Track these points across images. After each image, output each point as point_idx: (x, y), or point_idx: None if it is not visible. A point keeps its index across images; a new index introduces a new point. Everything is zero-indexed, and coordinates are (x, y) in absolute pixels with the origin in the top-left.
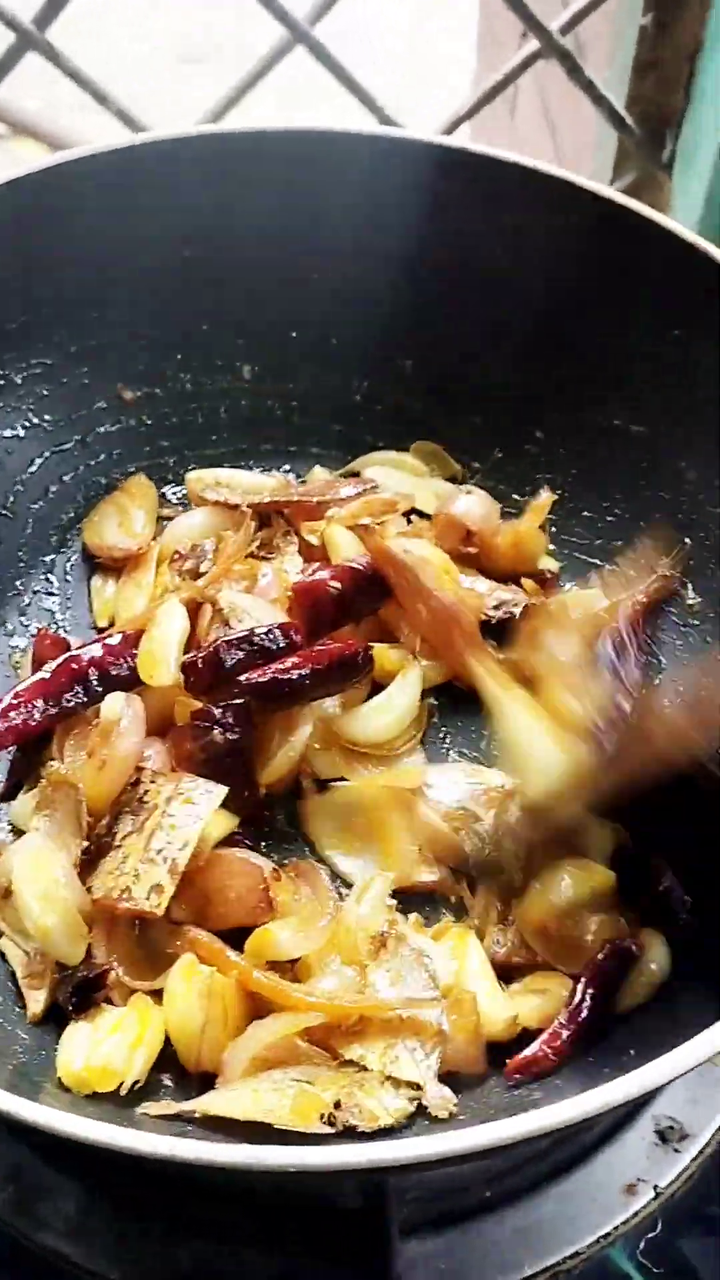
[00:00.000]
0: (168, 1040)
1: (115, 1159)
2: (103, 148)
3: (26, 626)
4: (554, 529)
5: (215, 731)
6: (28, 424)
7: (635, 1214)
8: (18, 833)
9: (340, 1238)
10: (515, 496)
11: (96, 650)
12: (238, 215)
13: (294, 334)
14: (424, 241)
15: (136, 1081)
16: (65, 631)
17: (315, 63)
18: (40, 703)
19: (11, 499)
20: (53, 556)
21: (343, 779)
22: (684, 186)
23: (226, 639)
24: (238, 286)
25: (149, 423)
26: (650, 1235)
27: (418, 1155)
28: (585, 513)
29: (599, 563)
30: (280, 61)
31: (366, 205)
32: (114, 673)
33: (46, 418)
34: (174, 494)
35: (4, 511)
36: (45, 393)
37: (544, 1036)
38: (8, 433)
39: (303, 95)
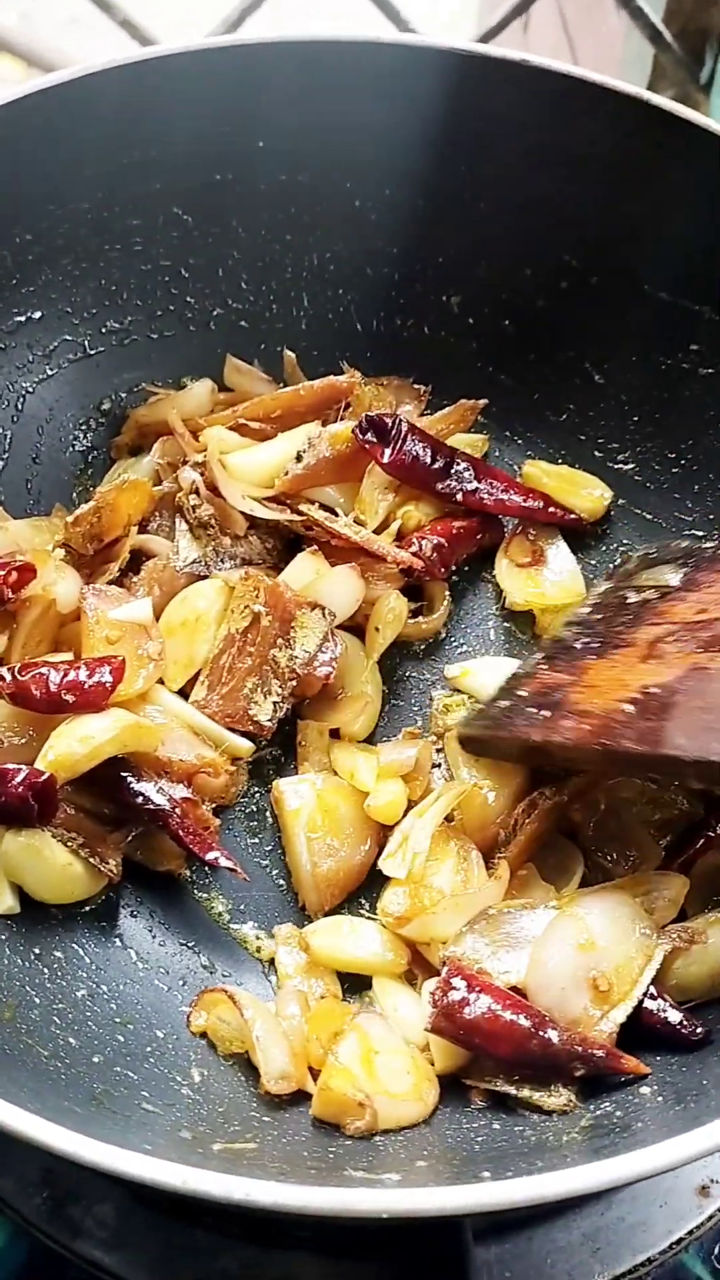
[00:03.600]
0: None
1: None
2: (116, 61)
3: None
4: (615, 482)
5: None
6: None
7: (710, 1217)
8: None
9: (405, 1244)
10: (563, 451)
11: None
12: (265, 137)
13: (332, 267)
14: (468, 163)
15: None
16: None
17: None
18: None
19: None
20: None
21: None
22: None
23: None
24: (263, 212)
25: (165, 360)
26: None
27: (515, 1199)
28: (653, 464)
29: (662, 521)
30: None
31: (403, 123)
32: None
33: (68, 359)
34: None
35: (35, 458)
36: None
37: None
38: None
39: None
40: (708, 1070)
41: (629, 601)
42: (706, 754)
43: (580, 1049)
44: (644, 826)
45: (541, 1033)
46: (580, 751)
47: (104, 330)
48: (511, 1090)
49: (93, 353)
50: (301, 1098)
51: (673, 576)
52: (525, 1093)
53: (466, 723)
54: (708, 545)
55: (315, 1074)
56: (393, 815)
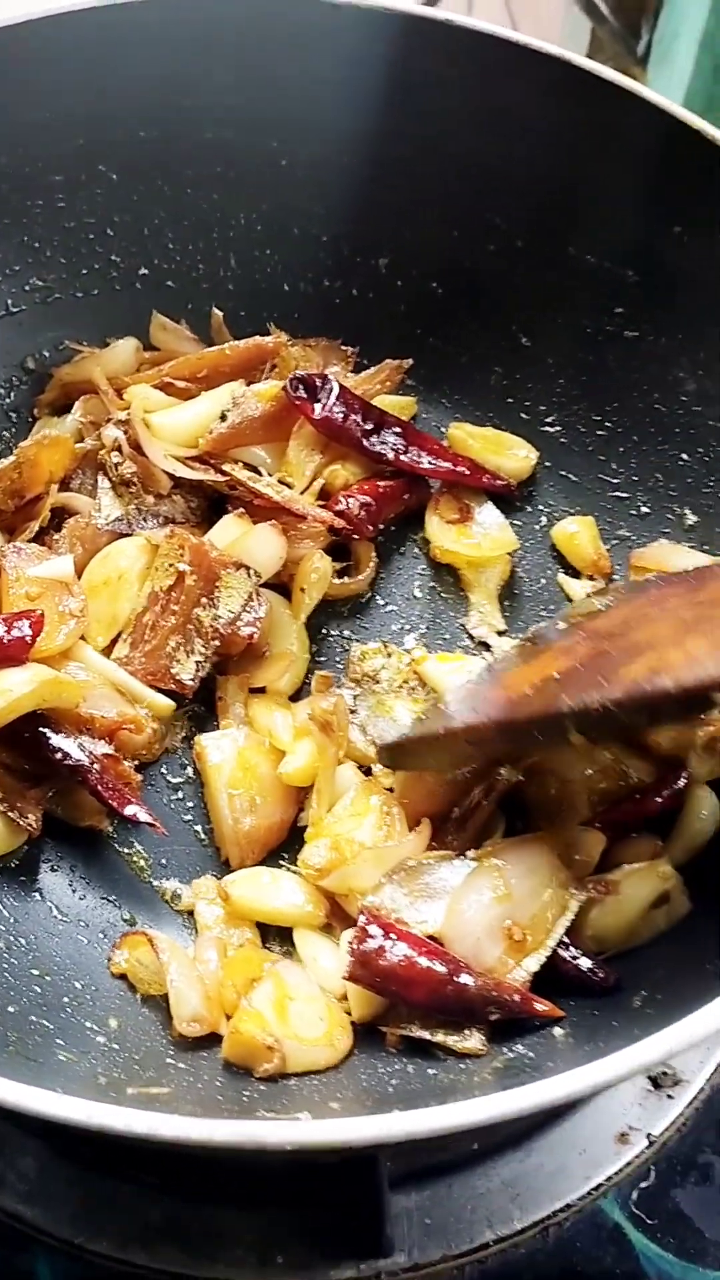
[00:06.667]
0: None
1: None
2: (36, 14)
3: None
4: (541, 444)
5: None
6: None
7: (628, 1164)
8: None
9: (323, 1192)
10: (491, 414)
11: None
12: (192, 93)
13: (259, 227)
14: (400, 125)
15: None
16: None
17: None
18: None
19: None
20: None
21: None
22: (659, 81)
23: None
24: (189, 170)
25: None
26: (643, 1185)
27: (421, 1129)
28: (579, 427)
29: (586, 483)
30: None
31: (334, 83)
32: None
33: None
34: None
35: None
36: None
37: None
38: None
39: None
40: (620, 1012)
41: (558, 628)
42: (585, 703)
43: (495, 994)
44: (585, 790)
45: (457, 978)
46: (476, 733)
47: (27, 288)
48: (426, 1035)
49: (15, 310)
50: (217, 1045)
51: (602, 603)
52: (440, 1037)
53: (385, 740)
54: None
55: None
56: (306, 779)
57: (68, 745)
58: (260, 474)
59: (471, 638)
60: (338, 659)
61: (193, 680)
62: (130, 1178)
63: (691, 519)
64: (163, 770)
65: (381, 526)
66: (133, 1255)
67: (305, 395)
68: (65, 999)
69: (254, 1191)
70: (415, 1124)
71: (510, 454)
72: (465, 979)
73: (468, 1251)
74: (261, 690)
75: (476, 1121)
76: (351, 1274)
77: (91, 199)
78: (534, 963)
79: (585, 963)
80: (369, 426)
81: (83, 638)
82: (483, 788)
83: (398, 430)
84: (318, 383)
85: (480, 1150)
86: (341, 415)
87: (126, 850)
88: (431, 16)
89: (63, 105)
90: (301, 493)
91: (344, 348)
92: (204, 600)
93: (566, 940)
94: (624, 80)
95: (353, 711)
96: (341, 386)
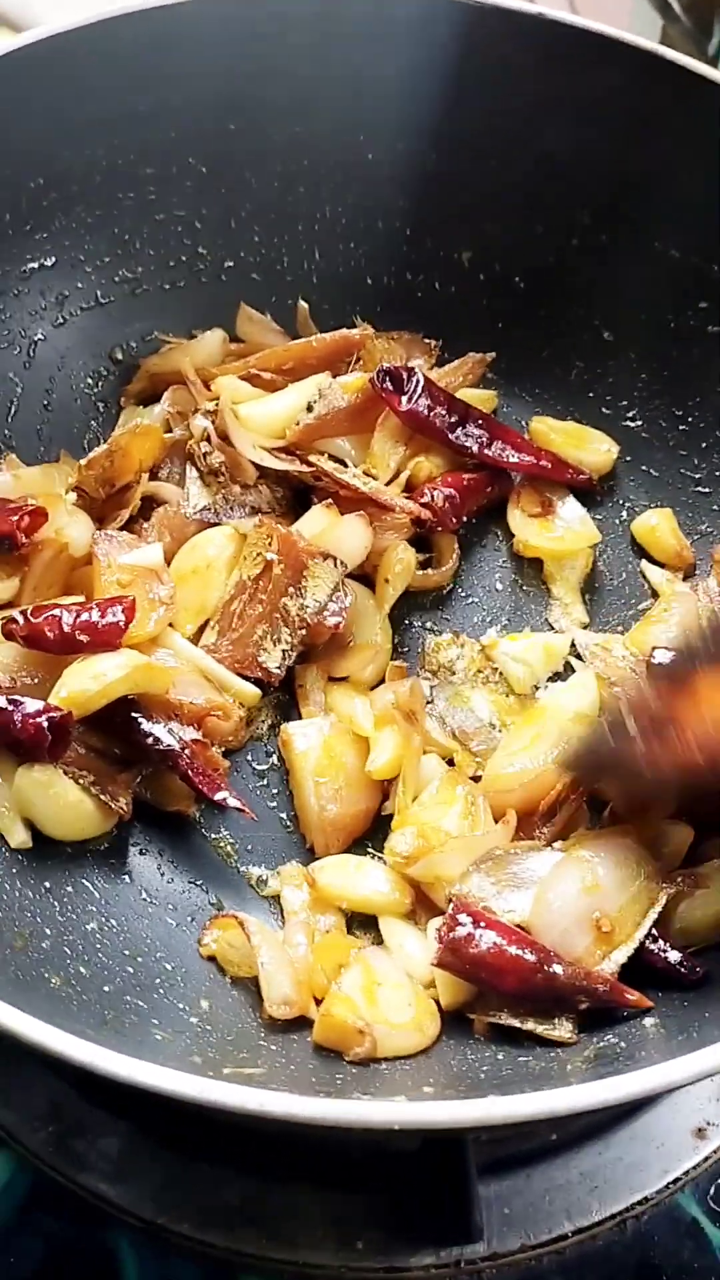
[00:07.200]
0: None
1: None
2: (133, 7)
3: None
4: (622, 439)
5: None
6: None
7: (705, 1159)
8: None
9: (406, 1178)
10: (572, 408)
11: None
12: (280, 87)
13: (343, 221)
14: (482, 118)
15: None
16: None
17: None
18: None
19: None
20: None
21: None
22: None
23: None
24: (276, 163)
25: (176, 310)
26: None
27: (529, 1112)
28: (660, 421)
29: (668, 478)
30: None
31: (418, 77)
32: None
33: (80, 306)
34: None
35: (46, 405)
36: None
37: None
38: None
39: None
40: (711, 1004)
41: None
42: None
43: (584, 983)
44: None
45: (547, 967)
46: (657, 769)
47: (116, 279)
48: (516, 1023)
49: (105, 301)
50: (307, 1028)
51: None
52: (530, 1025)
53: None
54: None
55: (319, 1004)
56: (393, 773)
57: (158, 730)
58: (346, 465)
59: (554, 630)
60: (419, 650)
61: (279, 668)
62: (212, 1159)
63: None
64: (248, 757)
65: (464, 519)
66: (213, 1236)
67: (392, 387)
68: (157, 979)
69: (334, 1176)
70: (519, 1108)
71: (592, 448)
72: (555, 968)
73: (546, 1242)
74: (343, 679)
75: (582, 1106)
76: (431, 1261)
77: (181, 191)
78: (622, 954)
79: (674, 956)
80: (453, 419)
81: (171, 625)
82: (571, 782)
83: (481, 423)
84: (404, 375)
85: (559, 1142)
86: (427, 408)
87: (213, 836)
88: (510, 8)
89: (157, 98)
90: (386, 484)
91: (427, 341)
92: (291, 589)
93: (654, 933)
94: (708, 70)
95: (429, 702)
96: (426, 379)
